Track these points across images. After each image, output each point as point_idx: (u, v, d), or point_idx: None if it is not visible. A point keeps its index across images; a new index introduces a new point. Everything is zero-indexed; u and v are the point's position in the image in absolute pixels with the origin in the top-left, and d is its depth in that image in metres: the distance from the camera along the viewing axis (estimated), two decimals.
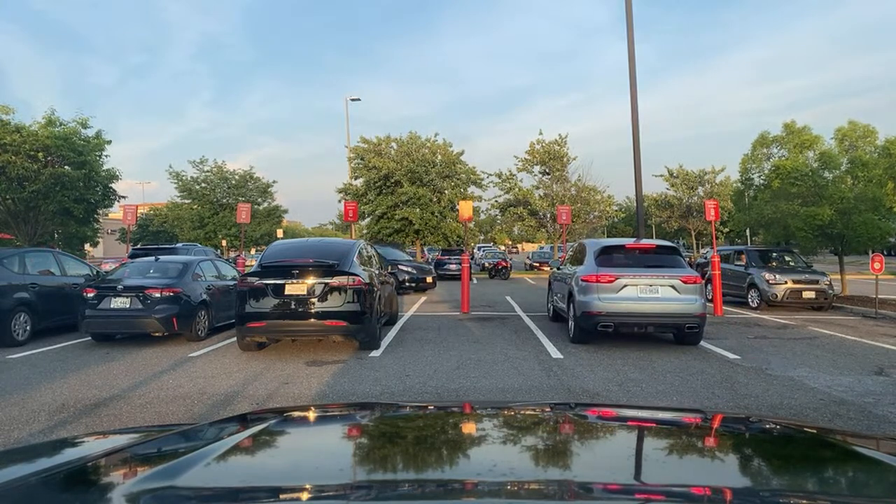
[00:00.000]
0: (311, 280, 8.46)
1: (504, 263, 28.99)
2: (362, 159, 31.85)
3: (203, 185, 35.78)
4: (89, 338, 10.10)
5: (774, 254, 16.79)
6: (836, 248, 17.41)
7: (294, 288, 8.44)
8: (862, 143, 17.17)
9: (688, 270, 9.35)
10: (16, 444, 4.87)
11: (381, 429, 1.77)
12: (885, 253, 21.71)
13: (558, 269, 12.06)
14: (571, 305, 9.67)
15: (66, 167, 21.50)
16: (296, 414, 1.92)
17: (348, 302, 8.49)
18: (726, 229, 38.40)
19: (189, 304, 10.01)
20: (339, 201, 36.27)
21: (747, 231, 29.51)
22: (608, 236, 42.67)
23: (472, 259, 27.15)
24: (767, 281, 14.71)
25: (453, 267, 26.64)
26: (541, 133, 33.73)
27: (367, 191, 31.37)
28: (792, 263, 15.96)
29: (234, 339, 9.18)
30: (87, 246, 28.49)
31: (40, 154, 20.72)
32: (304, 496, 1.09)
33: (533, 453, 1.44)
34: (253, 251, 40.31)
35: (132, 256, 15.22)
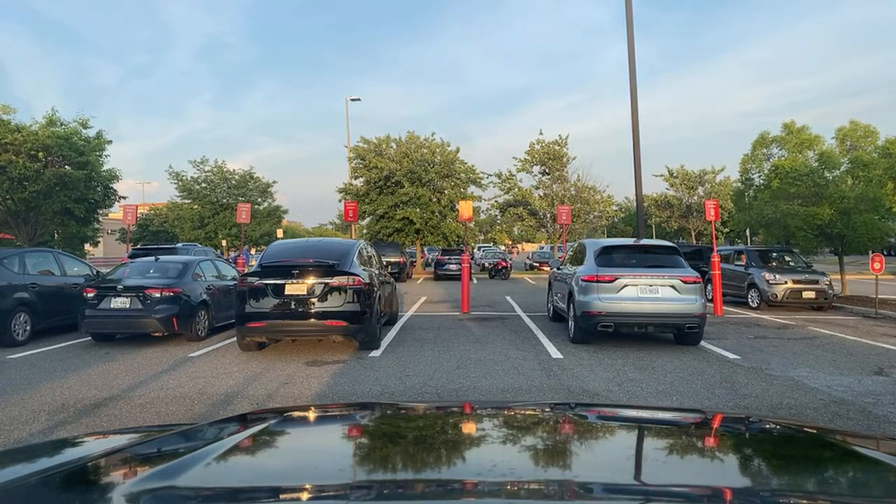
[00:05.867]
0: (311, 280, 8.45)
1: (504, 263, 28.96)
2: (363, 159, 31.86)
3: (203, 185, 35.80)
4: (89, 338, 10.10)
5: (774, 254, 16.80)
6: (836, 248, 17.41)
7: (294, 288, 8.44)
8: (863, 143, 17.17)
9: (688, 270, 9.35)
10: (16, 444, 4.87)
11: (381, 429, 1.77)
12: (885, 253, 21.68)
13: (558, 269, 12.05)
14: (571, 305, 9.67)
15: (66, 167, 21.51)
16: (296, 414, 1.92)
17: (348, 302, 8.49)
18: (726, 229, 38.40)
19: (189, 304, 10.01)
20: (340, 201, 36.30)
21: (747, 231, 29.52)
22: (608, 236, 42.65)
23: (472, 259, 27.14)
24: (767, 281, 14.71)
25: (453, 267, 26.64)
26: (541, 133, 33.81)
27: (368, 191, 31.38)
28: (792, 263, 15.96)
29: (234, 339, 9.18)
30: (87, 246, 28.50)
31: (41, 154, 20.74)
32: (304, 496, 1.09)
33: (533, 453, 1.43)
34: (253, 251, 40.28)
35: (132, 256, 15.22)
